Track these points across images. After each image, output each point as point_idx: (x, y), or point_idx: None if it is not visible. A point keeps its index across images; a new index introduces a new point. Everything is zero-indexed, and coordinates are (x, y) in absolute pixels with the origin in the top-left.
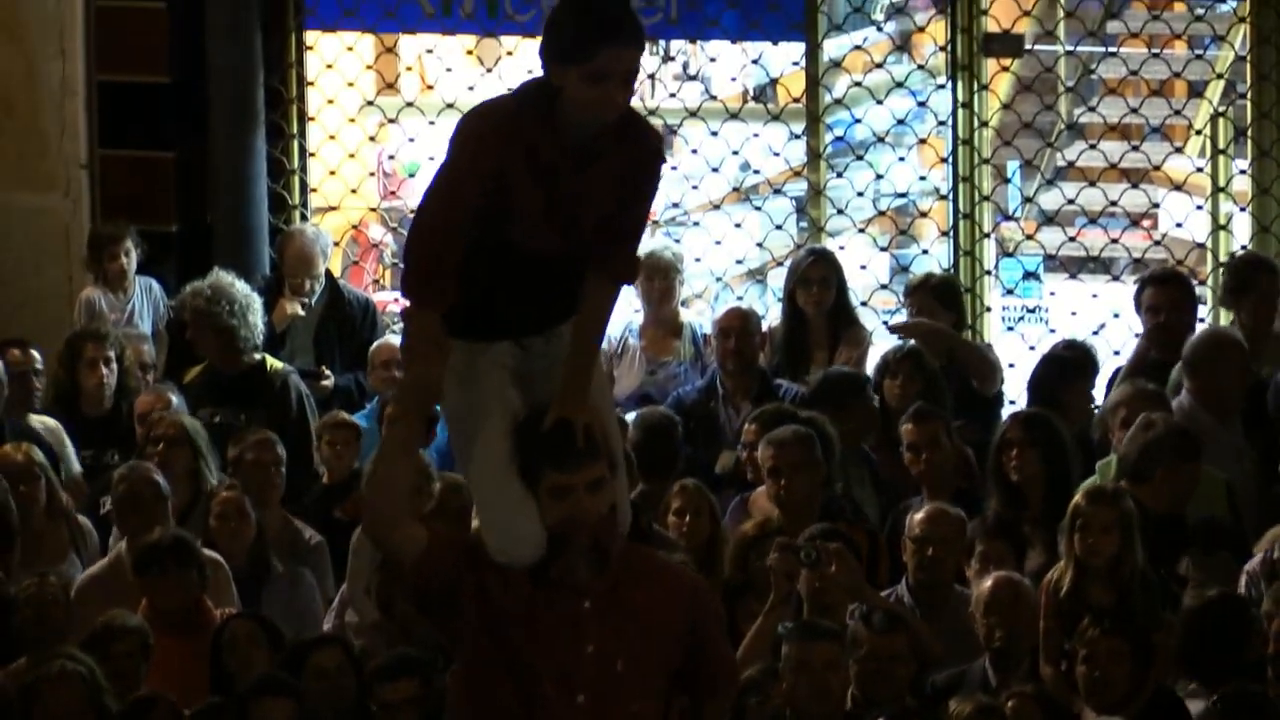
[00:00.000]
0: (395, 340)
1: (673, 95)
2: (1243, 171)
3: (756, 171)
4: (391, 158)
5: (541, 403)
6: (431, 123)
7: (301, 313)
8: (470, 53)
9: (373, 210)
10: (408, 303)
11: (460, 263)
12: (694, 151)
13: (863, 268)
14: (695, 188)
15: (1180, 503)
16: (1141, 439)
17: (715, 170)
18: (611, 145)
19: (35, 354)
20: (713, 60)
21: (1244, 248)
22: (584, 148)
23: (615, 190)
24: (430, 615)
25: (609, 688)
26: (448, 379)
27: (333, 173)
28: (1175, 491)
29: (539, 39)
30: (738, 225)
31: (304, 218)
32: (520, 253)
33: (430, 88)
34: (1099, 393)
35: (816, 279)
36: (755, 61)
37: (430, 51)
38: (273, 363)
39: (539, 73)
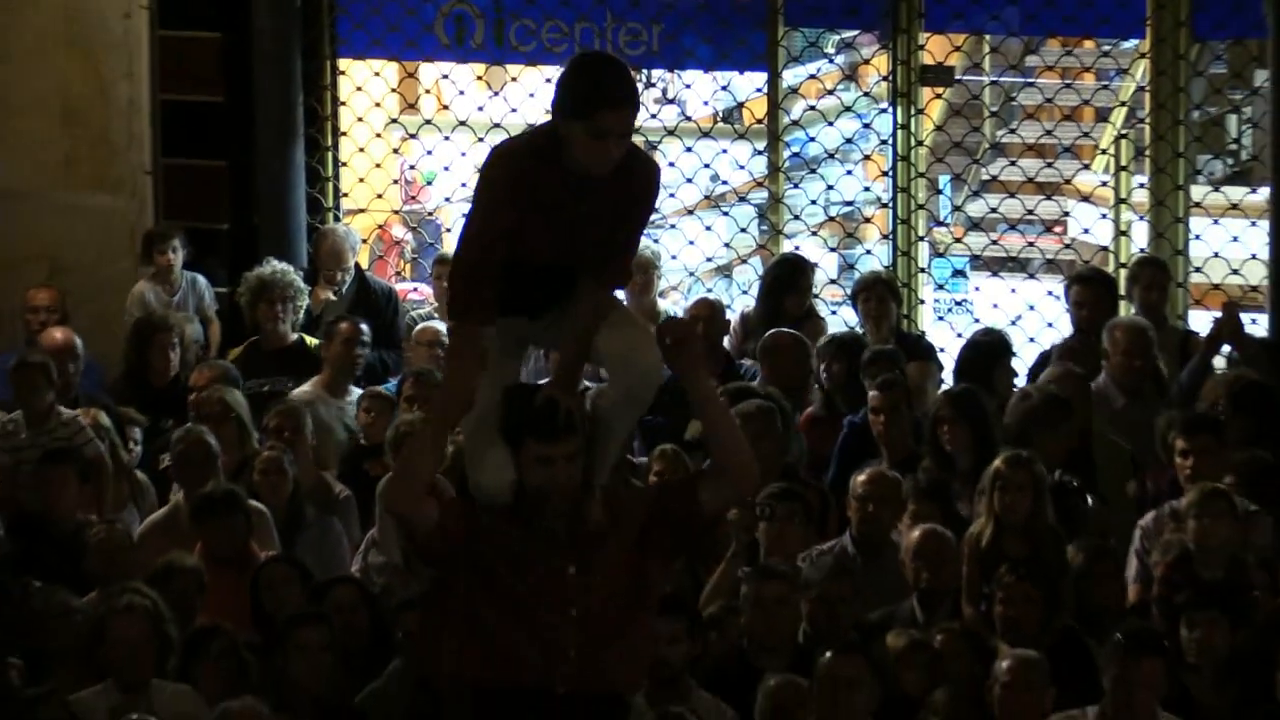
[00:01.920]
0: (437, 324)
1: (653, 116)
2: (1142, 185)
3: (724, 182)
4: (412, 167)
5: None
6: (447, 138)
7: (334, 299)
8: (480, 78)
9: (395, 213)
10: (454, 322)
11: (497, 284)
12: (671, 164)
13: (815, 265)
14: (672, 195)
15: (1061, 461)
16: (1020, 408)
17: (689, 181)
18: (608, 179)
19: (364, 327)
20: (688, 87)
21: (1142, 250)
22: (583, 183)
23: (612, 213)
24: (434, 567)
25: (593, 598)
26: None
27: (361, 180)
28: (1055, 451)
29: (539, 66)
30: (708, 228)
31: (336, 218)
32: (530, 265)
33: (445, 108)
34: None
35: (805, 287)
36: (724, 88)
37: (446, 77)
38: (309, 339)
39: (540, 97)
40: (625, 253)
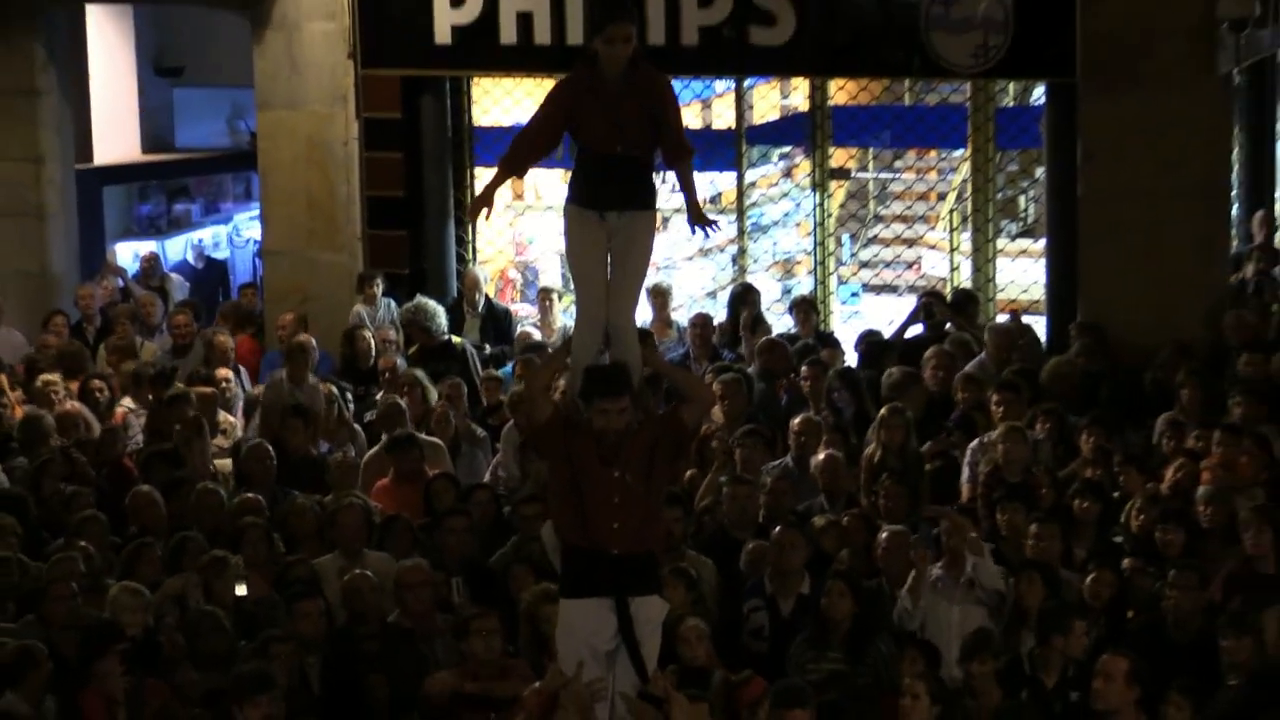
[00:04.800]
0: (529, 329)
1: (666, 201)
2: (967, 239)
3: (711, 240)
4: (520, 234)
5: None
6: (540, 215)
7: (478, 314)
8: (563, 178)
9: (511, 261)
10: (498, 168)
11: (537, 154)
12: (678, 231)
13: (764, 291)
14: (678, 249)
15: (920, 409)
16: (887, 382)
17: (689, 240)
18: (630, 81)
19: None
20: None
21: (968, 279)
22: (615, 86)
23: (643, 106)
24: (538, 453)
25: (628, 492)
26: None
27: (489, 242)
28: (911, 404)
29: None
30: (701, 269)
31: (474, 264)
32: (595, 153)
33: (540, 197)
34: None
35: (750, 301)
36: (711, 182)
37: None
38: (456, 339)
39: None
40: (677, 131)
